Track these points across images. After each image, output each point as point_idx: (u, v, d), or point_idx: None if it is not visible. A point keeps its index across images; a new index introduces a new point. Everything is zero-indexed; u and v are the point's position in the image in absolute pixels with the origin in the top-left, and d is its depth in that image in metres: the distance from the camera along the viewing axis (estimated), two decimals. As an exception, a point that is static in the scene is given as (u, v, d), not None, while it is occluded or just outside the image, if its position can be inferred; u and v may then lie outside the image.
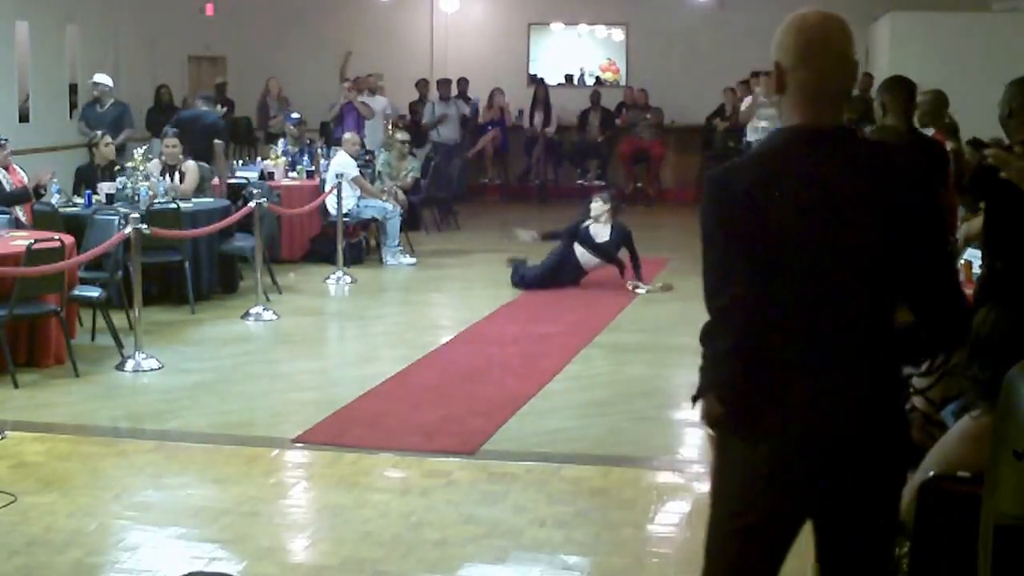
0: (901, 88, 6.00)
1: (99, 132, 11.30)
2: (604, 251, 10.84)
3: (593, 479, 5.78)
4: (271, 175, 12.32)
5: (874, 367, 2.62)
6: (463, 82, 17.71)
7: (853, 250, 2.58)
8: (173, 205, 9.66)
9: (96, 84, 13.63)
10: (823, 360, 2.61)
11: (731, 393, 2.64)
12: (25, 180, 9.94)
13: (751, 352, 2.62)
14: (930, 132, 6.86)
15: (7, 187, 9.59)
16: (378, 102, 15.97)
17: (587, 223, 10.91)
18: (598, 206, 10.94)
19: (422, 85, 17.61)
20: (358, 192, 12.23)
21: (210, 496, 5.51)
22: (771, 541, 2.72)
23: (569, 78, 19.14)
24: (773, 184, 2.60)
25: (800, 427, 2.61)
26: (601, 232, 10.87)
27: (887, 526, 2.67)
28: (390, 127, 14.81)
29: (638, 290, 10.61)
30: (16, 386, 7.26)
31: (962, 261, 5.31)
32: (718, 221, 2.66)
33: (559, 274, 10.78)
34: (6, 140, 9.97)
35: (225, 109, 17.10)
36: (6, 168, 9.76)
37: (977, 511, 2.87)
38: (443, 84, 17.00)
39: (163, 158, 10.60)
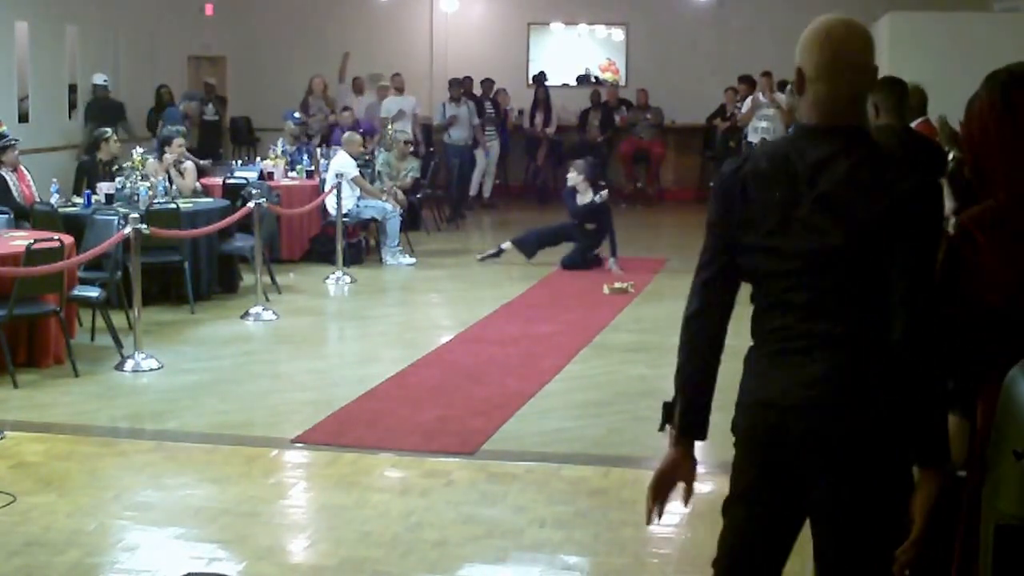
0: (893, 88, 6.01)
1: (107, 129, 11.31)
2: (588, 211, 11.84)
3: (593, 479, 5.77)
4: (271, 175, 12.32)
5: (852, 362, 2.63)
6: (467, 81, 17.64)
7: (832, 246, 2.62)
8: (172, 205, 9.66)
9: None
10: (795, 351, 2.67)
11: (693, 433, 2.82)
12: (32, 186, 9.95)
13: (719, 345, 2.79)
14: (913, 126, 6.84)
15: (15, 191, 9.60)
16: (407, 101, 15.95)
17: (576, 197, 11.96)
18: (572, 176, 11.99)
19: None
20: (358, 192, 12.23)
21: (209, 496, 5.50)
22: (760, 533, 2.77)
23: (569, 78, 19.13)
24: (765, 172, 2.71)
25: (769, 417, 2.68)
26: (586, 198, 11.92)
27: (880, 528, 2.66)
28: (390, 126, 14.80)
29: (611, 269, 11.44)
30: (15, 386, 7.26)
31: None
32: (713, 208, 2.80)
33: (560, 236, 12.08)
34: (17, 140, 9.96)
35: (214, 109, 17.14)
36: (15, 170, 9.76)
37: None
38: (454, 85, 16.61)
39: (170, 157, 10.59)
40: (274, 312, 9.54)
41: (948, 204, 4.13)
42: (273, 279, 10.55)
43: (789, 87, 9.71)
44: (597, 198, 11.78)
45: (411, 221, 13.69)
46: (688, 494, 2.83)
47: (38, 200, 9.75)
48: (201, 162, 15.09)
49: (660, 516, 2.85)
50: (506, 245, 12.12)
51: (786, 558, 2.80)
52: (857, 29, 2.69)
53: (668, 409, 2.84)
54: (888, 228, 2.60)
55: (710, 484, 5.67)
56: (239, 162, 14.47)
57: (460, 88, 16.61)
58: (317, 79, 16.38)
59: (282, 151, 13.01)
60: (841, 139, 2.67)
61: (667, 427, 2.86)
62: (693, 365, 2.80)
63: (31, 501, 5.34)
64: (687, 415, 2.80)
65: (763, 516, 2.76)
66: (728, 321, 2.80)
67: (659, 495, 2.83)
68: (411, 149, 14.24)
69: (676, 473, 2.83)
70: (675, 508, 5.46)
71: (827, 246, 2.62)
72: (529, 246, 12.04)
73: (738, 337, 2.82)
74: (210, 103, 16.87)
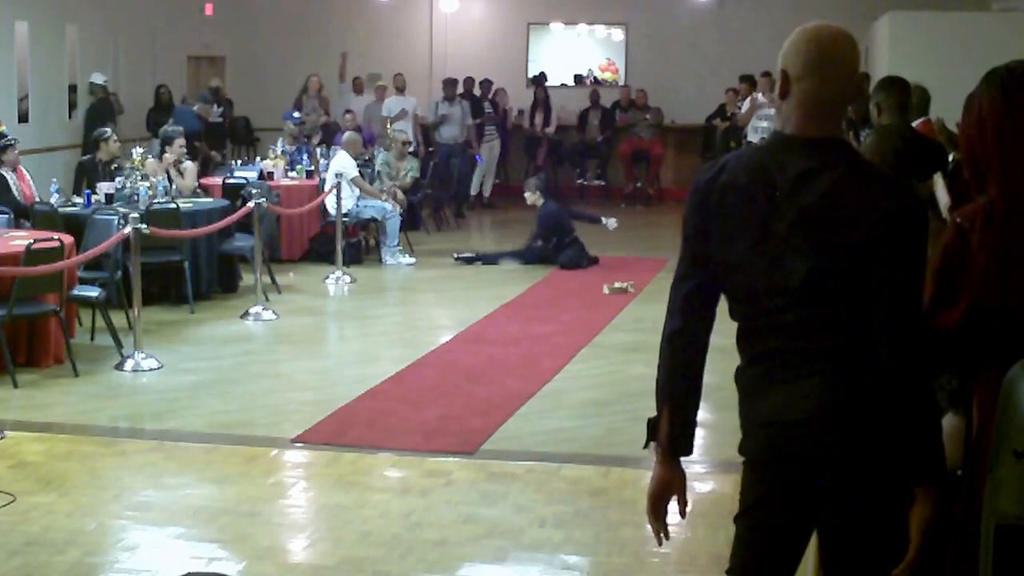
0: (895, 88, 6.01)
1: (107, 129, 11.31)
2: (546, 228, 12.01)
3: (593, 479, 5.77)
4: (270, 175, 12.32)
5: (847, 375, 2.60)
6: (468, 81, 17.63)
7: (815, 264, 2.56)
8: (172, 205, 9.65)
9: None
10: (789, 368, 2.63)
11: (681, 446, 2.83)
12: (32, 186, 9.95)
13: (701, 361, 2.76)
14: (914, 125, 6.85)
15: (15, 190, 9.60)
16: (409, 102, 15.97)
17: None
18: (529, 195, 12.19)
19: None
20: (357, 192, 12.23)
21: (209, 496, 5.50)
22: (770, 544, 2.77)
23: (568, 78, 19.12)
24: (744, 186, 2.65)
25: (774, 436, 2.66)
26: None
27: (882, 536, 2.65)
28: (390, 126, 14.80)
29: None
30: (15, 386, 7.25)
31: None
32: (687, 216, 2.77)
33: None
34: (16, 140, 9.96)
35: (222, 109, 17.15)
36: (15, 170, 9.76)
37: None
38: (448, 84, 16.70)
39: (170, 157, 10.61)
40: (274, 312, 9.54)
41: (947, 202, 4.13)
42: (273, 279, 10.55)
43: None
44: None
45: (411, 221, 13.69)
46: (683, 506, 2.86)
47: (38, 200, 9.76)
48: (212, 153, 15.15)
49: (667, 535, 2.88)
50: (477, 258, 12.33)
51: (796, 566, 2.79)
52: (844, 33, 2.66)
53: (652, 426, 2.83)
54: (872, 245, 2.55)
55: (710, 483, 5.69)
56: (239, 162, 14.47)
57: (453, 88, 16.64)
58: (314, 78, 16.39)
59: (282, 151, 13.02)
60: (824, 152, 2.61)
61: (652, 444, 2.86)
62: (677, 384, 2.77)
63: (31, 501, 5.34)
64: (673, 434, 2.79)
65: (773, 528, 2.75)
66: (710, 335, 2.76)
67: (659, 516, 2.85)
68: (410, 149, 14.24)
69: (669, 490, 2.85)
70: (675, 508, 5.48)
71: (810, 264, 2.57)
72: (499, 262, 12.22)
73: (726, 336, 2.80)
74: (216, 105, 16.91)
